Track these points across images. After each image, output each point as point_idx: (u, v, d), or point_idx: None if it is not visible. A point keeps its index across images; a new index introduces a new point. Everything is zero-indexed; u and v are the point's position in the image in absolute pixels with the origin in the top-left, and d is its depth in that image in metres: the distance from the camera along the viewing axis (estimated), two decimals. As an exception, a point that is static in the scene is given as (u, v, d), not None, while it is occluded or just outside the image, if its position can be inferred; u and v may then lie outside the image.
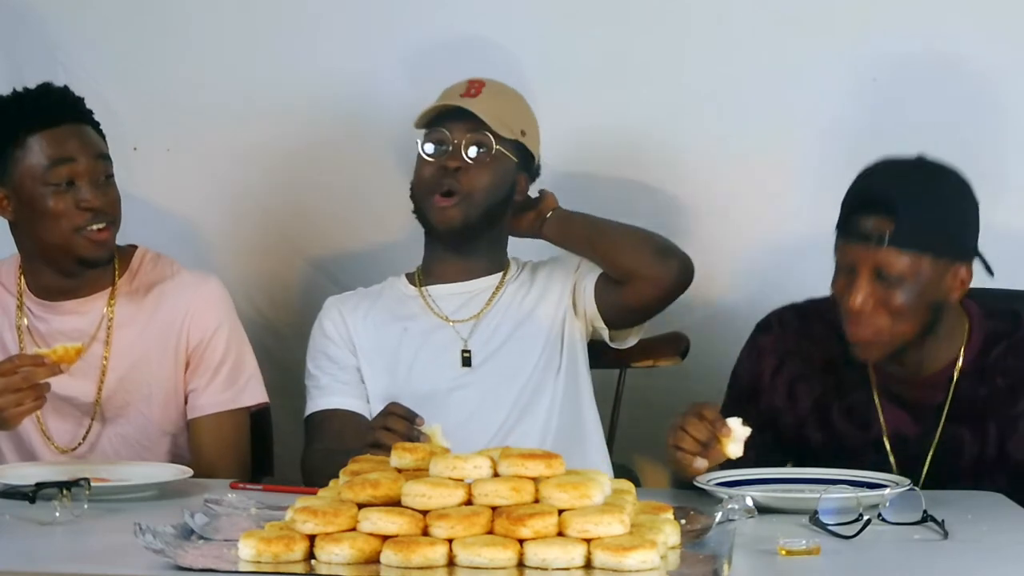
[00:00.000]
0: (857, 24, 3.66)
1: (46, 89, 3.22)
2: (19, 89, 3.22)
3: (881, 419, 2.94)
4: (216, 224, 3.84)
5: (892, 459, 2.92)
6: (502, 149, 3.25)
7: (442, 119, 3.26)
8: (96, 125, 3.21)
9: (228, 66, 3.81)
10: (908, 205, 2.76)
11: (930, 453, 2.90)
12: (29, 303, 3.23)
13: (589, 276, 3.29)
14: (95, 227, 3.12)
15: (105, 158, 3.18)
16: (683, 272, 3.23)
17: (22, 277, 3.25)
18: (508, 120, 3.27)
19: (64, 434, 3.20)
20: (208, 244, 3.79)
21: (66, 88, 3.23)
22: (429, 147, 3.26)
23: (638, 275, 3.20)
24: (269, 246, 3.85)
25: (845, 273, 2.83)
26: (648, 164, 3.74)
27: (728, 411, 2.84)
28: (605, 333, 3.30)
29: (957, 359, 2.90)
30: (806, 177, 3.67)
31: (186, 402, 3.24)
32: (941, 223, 2.81)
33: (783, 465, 2.93)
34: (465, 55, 3.73)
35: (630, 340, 3.34)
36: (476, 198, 3.23)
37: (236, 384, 3.25)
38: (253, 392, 3.27)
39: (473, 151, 3.23)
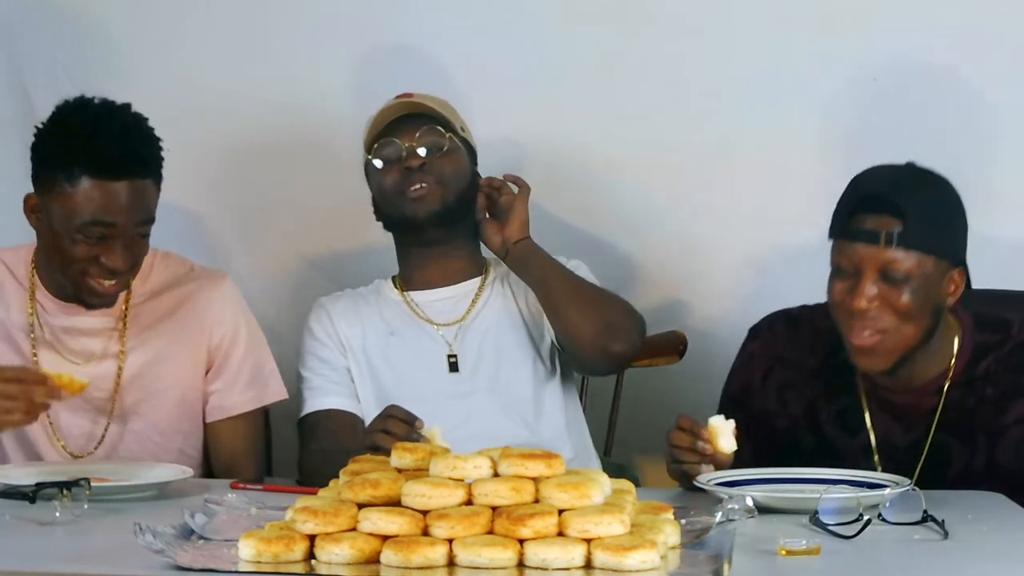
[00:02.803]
0: (857, 24, 3.66)
1: (124, 130, 3.04)
2: (99, 99, 3.07)
3: (869, 426, 2.94)
4: (216, 224, 3.85)
5: (880, 467, 2.90)
6: (454, 137, 3.24)
7: (387, 132, 3.25)
8: (159, 177, 3.08)
9: (228, 66, 3.81)
10: (914, 205, 2.77)
11: (920, 461, 2.90)
12: (42, 298, 3.19)
13: None
14: (107, 282, 3.07)
15: (149, 220, 3.06)
16: (622, 355, 3.20)
17: (35, 271, 3.20)
18: (449, 114, 3.28)
19: (79, 432, 3.17)
20: (208, 244, 3.79)
21: (147, 134, 3.06)
22: (384, 159, 3.23)
23: (574, 344, 3.18)
24: (269, 246, 3.85)
25: (846, 275, 2.82)
26: (647, 165, 3.74)
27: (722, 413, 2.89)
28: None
29: (948, 370, 2.91)
30: (805, 178, 3.67)
31: (206, 403, 3.24)
32: (943, 225, 2.83)
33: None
34: (458, 54, 3.74)
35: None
36: (449, 183, 3.22)
37: (259, 382, 3.25)
38: (275, 389, 3.28)
39: (426, 150, 3.21)
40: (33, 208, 3.09)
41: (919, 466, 2.90)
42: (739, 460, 2.83)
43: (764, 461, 2.90)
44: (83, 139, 3.02)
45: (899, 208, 2.76)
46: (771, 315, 3.10)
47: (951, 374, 2.90)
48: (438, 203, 3.20)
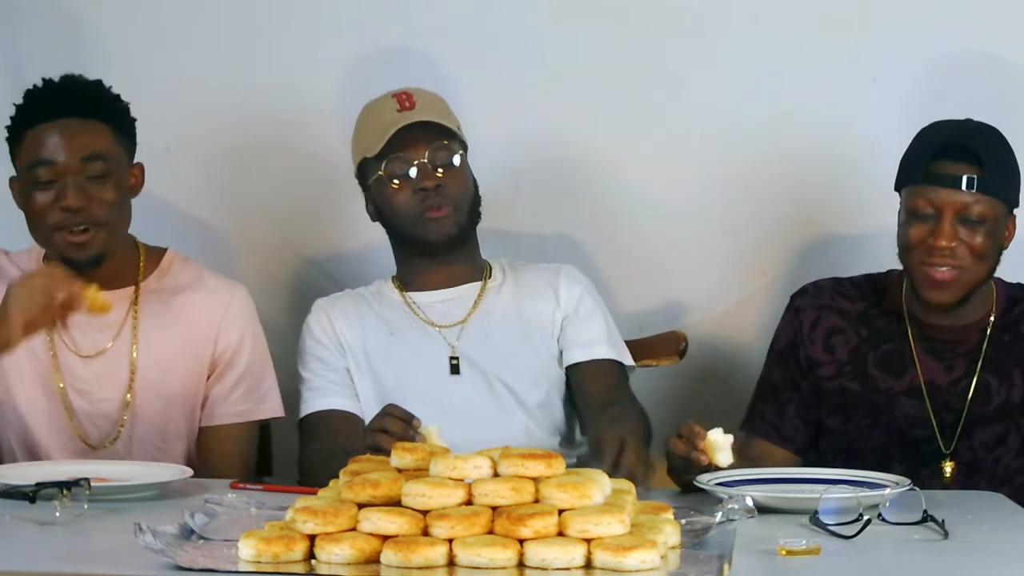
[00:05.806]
0: (857, 24, 3.66)
1: (51, 81, 3.17)
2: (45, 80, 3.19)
3: (917, 366, 3.09)
4: (216, 224, 3.84)
5: (929, 404, 3.07)
6: (462, 150, 3.23)
7: (394, 145, 3.20)
8: (116, 123, 3.15)
9: (228, 66, 3.81)
10: (990, 154, 2.99)
11: (967, 397, 3.07)
12: None
13: (572, 341, 3.25)
14: (75, 228, 3.08)
15: (97, 158, 3.10)
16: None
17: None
18: (450, 119, 3.26)
19: (96, 432, 3.17)
20: (208, 244, 3.79)
21: (97, 85, 3.17)
22: (394, 176, 3.20)
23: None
24: (269, 246, 3.84)
25: (924, 219, 2.98)
26: (647, 165, 3.74)
27: (768, 374, 3.18)
28: None
29: (990, 312, 3.10)
30: (806, 178, 3.68)
31: (202, 407, 3.24)
32: (1012, 173, 3.05)
33: (820, 421, 3.13)
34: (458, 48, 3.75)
35: None
36: (461, 203, 3.21)
37: (255, 396, 3.25)
38: (271, 405, 3.27)
39: (439, 168, 3.19)
40: (14, 189, 3.15)
41: (967, 403, 3.07)
42: (784, 416, 3.11)
43: (811, 415, 3.13)
44: (27, 102, 3.15)
45: (978, 156, 2.96)
46: (814, 280, 3.24)
47: (992, 316, 3.10)
48: (455, 227, 3.21)
